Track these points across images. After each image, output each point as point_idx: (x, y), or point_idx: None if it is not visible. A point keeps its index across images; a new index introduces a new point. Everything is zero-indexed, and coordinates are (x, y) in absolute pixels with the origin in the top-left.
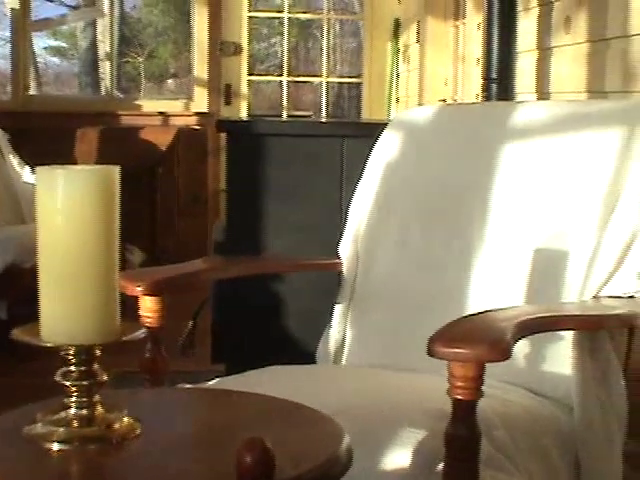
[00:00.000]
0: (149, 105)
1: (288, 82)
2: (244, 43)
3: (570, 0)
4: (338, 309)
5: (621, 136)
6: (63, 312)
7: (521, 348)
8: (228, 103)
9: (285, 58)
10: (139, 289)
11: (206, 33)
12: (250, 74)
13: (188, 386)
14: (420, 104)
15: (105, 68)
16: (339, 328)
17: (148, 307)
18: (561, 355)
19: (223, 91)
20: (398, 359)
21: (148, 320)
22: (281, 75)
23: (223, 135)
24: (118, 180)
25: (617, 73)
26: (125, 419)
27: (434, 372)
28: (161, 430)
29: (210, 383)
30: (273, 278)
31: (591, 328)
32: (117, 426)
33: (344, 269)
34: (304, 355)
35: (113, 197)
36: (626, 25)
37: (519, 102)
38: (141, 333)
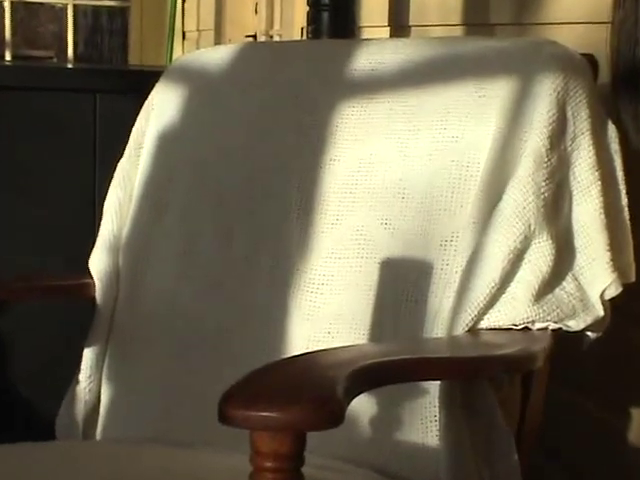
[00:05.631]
0: None
1: (14, 4)
2: None
3: None
4: (89, 355)
5: (511, 90)
6: None
7: (364, 408)
8: None
9: None
10: None
11: None
12: None
13: None
14: (218, 43)
15: None
16: (90, 385)
17: None
18: (424, 417)
19: None
20: (181, 429)
21: None
22: None
23: None
24: None
25: None
26: None
27: (235, 448)
28: None
29: None
30: None
31: (465, 376)
32: None
33: (97, 294)
34: (39, 426)
35: None
36: None
37: (363, 40)
38: None
